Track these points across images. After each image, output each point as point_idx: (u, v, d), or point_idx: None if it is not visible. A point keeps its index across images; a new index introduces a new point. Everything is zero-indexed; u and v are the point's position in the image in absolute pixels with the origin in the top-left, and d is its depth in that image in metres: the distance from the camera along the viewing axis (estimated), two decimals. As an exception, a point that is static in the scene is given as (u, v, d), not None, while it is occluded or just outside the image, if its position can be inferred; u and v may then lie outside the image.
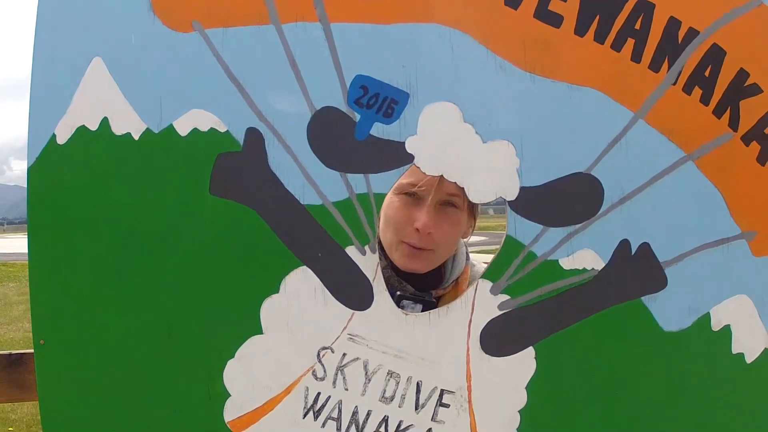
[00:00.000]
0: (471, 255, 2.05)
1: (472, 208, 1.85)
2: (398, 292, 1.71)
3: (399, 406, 1.52)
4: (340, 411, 1.51)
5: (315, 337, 1.50)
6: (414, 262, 1.82)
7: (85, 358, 1.47)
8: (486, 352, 1.54)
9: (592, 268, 1.55)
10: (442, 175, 1.52)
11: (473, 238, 2.05)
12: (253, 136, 1.46)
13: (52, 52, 1.44)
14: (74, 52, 1.44)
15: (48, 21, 1.44)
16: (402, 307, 1.69)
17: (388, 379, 1.52)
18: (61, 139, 1.43)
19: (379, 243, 1.89)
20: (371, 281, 1.51)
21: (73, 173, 1.45)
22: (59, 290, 1.46)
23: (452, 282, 1.96)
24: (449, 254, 1.93)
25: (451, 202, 1.75)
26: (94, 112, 1.44)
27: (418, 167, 1.50)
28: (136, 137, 1.44)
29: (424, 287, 1.88)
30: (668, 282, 1.58)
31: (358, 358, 1.51)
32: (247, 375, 1.49)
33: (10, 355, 2.12)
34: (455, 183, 1.52)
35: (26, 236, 1.44)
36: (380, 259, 1.88)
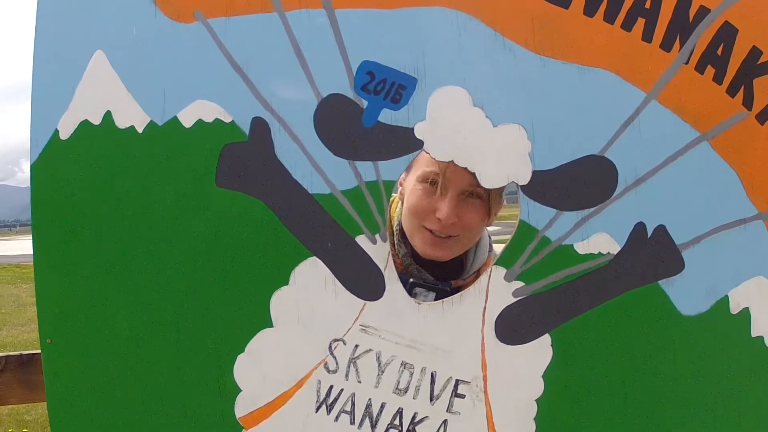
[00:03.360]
0: (494, 246, 2.01)
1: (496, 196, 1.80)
2: (411, 279, 1.68)
3: (413, 398, 1.50)
4: (353, 404, 1.49)
5: (326, 329, 1.48)
6: (435, 249, 1.79)
7: (92, 356, 1.45)
8: (501, 341, 1.51)
9: (608, 252, 1.53)
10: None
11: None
12: (259, 125, 1.43)
13: (53, 47, 1.42)
14: (75, 46, 1.42)
15: (49, 15, 1.43)
16: (414, 295, 1.67)
17: (402, 371, 1.50)
18: (64, 135, 1.41)
19: (401, 231, 1.87)
20: (383, 270, 1.48)
21: (77, 169, 1.43)
22: (65, 287, 1.44)
23: (473, 273, 1.93)
24: (471, 244, 1.90)
25: (475, 192, 1.71)
26: (96, 106, 1.42)
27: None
28: (140, 130, 1.42)
29: (444, 277, 1.85)
30: (685, 265, 1.56)
31: (370, 350, 1.49)
32: (258, 369, 1.47)
33: (21, 355, 2.11)
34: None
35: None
36: (401, 246, 1.85)
